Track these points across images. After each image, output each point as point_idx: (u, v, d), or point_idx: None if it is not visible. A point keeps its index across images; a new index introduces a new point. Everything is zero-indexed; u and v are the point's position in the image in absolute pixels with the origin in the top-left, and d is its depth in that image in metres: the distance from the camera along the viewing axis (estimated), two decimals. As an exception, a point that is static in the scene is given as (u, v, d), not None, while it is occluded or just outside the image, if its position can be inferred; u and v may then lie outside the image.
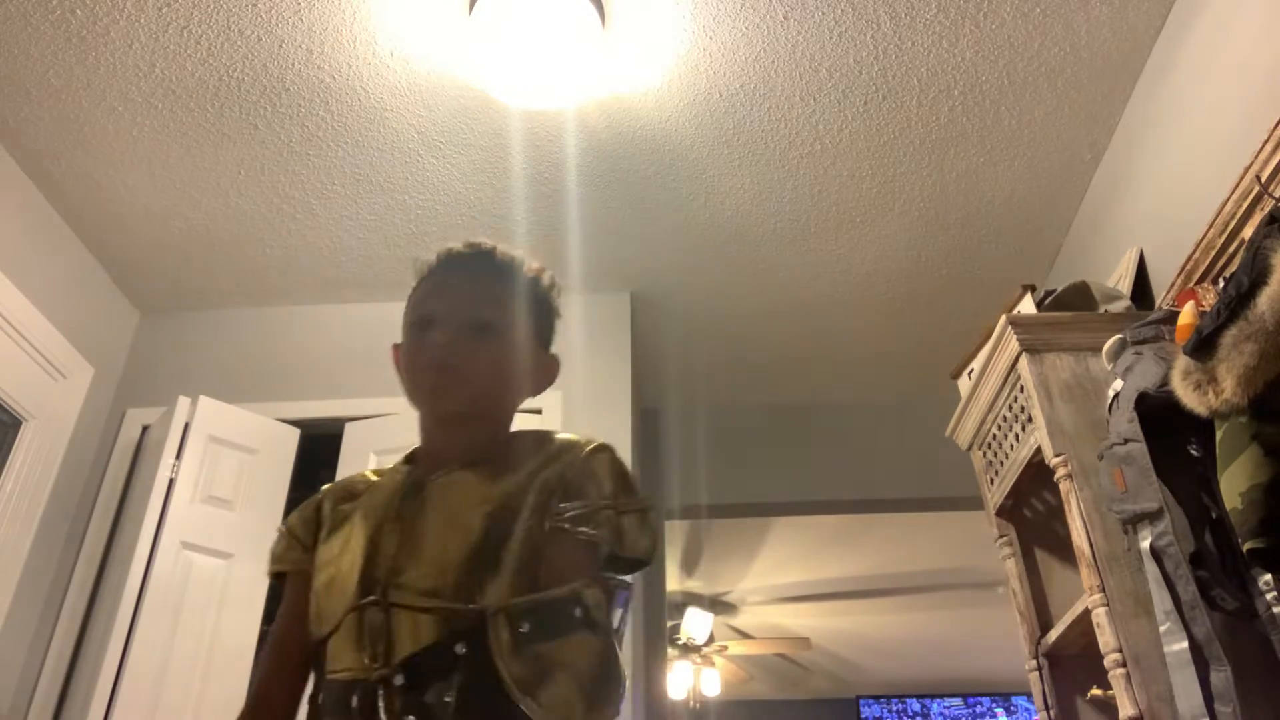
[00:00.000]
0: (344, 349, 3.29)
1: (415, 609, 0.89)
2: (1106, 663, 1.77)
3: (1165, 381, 1.50)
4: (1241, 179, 1.77)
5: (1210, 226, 1.89)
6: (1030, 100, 2.55)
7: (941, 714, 8.06)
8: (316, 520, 1.09)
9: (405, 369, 1.12)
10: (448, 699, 0.83)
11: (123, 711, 2.45)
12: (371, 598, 0.92)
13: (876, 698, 8.06)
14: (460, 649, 0.85)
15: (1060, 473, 1.96)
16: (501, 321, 1.09)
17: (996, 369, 2.24)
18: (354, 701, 0.87)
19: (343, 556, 1.00)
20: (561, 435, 1.06)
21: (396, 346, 1.18)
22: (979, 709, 8.08)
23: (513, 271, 1.14)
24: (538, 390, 1.15)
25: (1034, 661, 2.20)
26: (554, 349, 1.18)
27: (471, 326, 1.06)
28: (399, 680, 0.85)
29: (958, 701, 8.06)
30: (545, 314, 1.17)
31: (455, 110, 2.59)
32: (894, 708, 8.08)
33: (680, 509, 3.84)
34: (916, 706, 8.08)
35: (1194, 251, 1.97)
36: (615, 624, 0.91)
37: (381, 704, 0.85)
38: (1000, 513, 2.37)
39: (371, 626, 0.90)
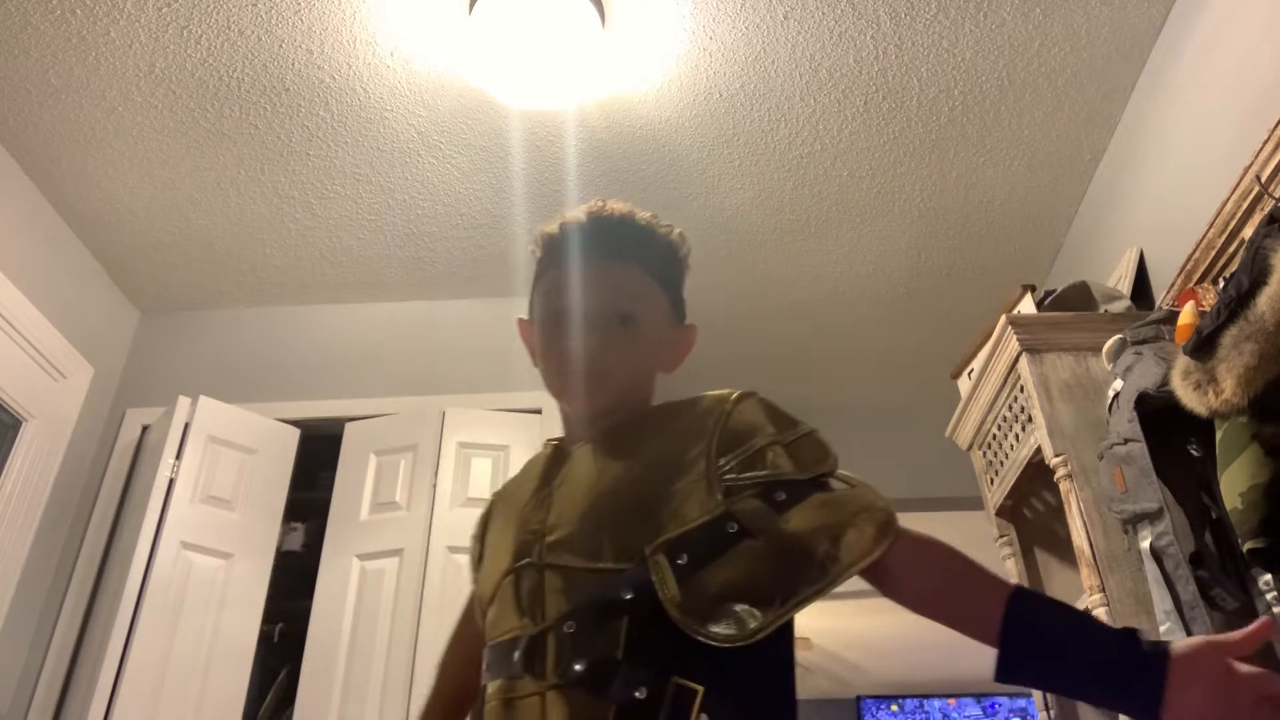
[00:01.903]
0: (344, 349, 3.29)
1: (574, 568, 0.88)
2: (1106, 663, 1.76)
3: (1165, 381, 1.51)
4: (1241, 179, 1.77)
5: (1210, 226, 1.89)
6: (1030, 100, 2.55)
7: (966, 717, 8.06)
8: (487, 523, 1.12)
9: (541, 360, 1.07)
10: (617, 643, 0.82)
11: (123, 711, 2.45)
12: (525, 560, 0.92)
13: (877, 698, 8.06)
14: (625, 593, 0.84)
15: (1060, 473, 1.96)
16: (643, 310, 1.04)
17: (996, 369, 2.24)
18: (515, 655, 0.87)
19: (498, 538, 1.03)
20: (703, 395, 1.01)
21: (524, 321, 1.13)
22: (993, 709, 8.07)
23: (651, 245, 1.08)
24: (676, 366, 1.11)
25: (1034, 661, 2.19)
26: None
27: (613, 321, 1.02)
28: (568, 628, 0.84)
29: (970, 702, 8.06)
30: (680, 282, 1.11)
31: (455, 110, 2.59)
32: (907, 708, 8.07)
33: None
34: (938, 707, 8.07)
35: (1194, 251, 1.97)
36: (792, 518, 0.86)
37: (550, 653, 0.85)
38: (1000, 513, 2.37)
39: (529, 588, 0.91)
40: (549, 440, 1.10)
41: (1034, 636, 0.80)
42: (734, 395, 0.97)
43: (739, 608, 0.81)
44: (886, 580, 0.87)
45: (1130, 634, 0.78)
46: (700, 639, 0.79)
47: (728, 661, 0.80)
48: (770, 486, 0.87)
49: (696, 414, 0.97)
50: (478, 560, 1.09)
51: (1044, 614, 0.82)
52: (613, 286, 1.03)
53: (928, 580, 0.87)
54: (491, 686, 0.90)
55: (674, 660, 0.80)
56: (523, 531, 0.96)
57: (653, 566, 0.84)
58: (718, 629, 0.80)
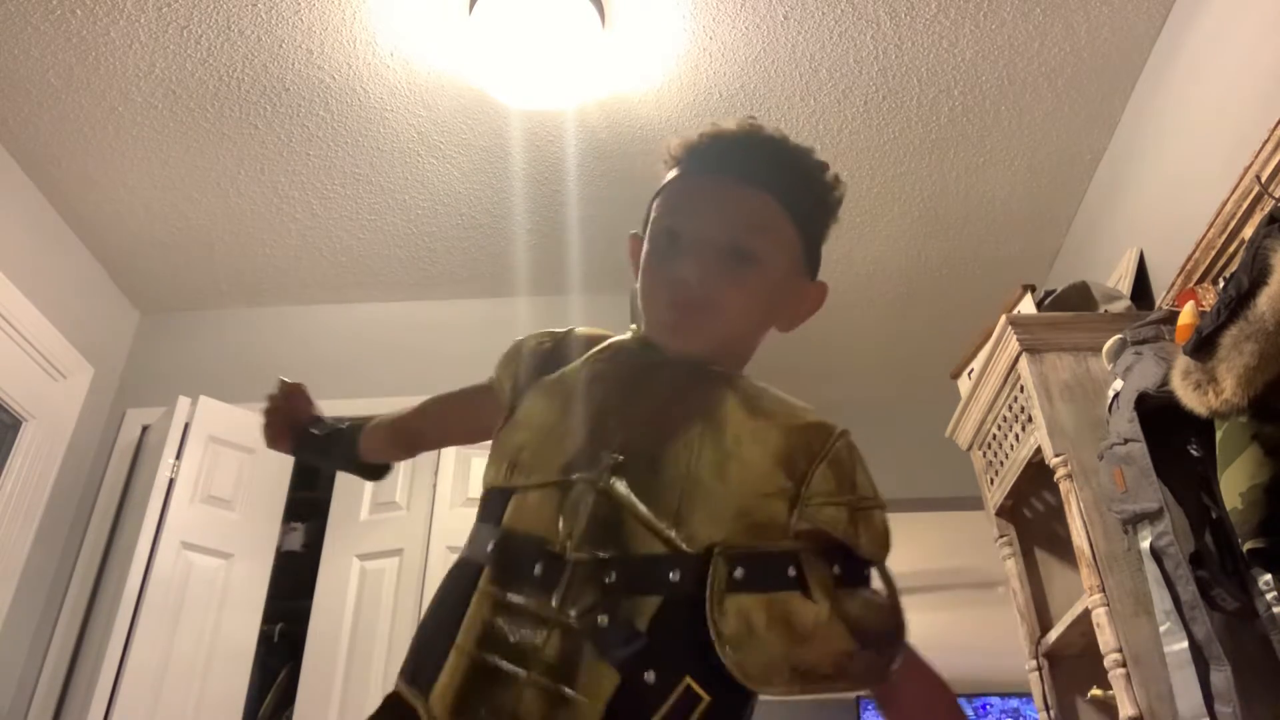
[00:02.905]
0: (344, 349, 3.29)
1: (637, 514, 0.80)
2: (1106, 663, 1.77)
3: (1165, 381, 1.51)
4: (1241, 179, 1.77)
5: (1210, 226, 1.89)
6: (1030, 100, 2.55)
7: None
8: (535, 369, 0.98)
9: (642, 283, 0.94)
10: (641, 618, 0.76)
11: (123, 711, 2.45)
12: (588, 476, 0.83)
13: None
14: (674, 575, 0.78)
15: (1060, 473, 1.96)
16: (770, 249, 0.91)
17: (996, 369, 2.24)
18: (537, 569, 0.79)
19: (553, 421, 0.90)
20: (803, 406, 0.92)
21: (635, 237, 0.99)
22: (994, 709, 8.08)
23: (797, 176, 0.95)
24: (794, 325, 0.99)
25: (1034, 661, 2.20)
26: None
27: (730, 255, 0.89)
28: (610, 575, 0.78)
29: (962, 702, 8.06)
30: (821, 232, 0.98)
31: (455, 110, 2.59)
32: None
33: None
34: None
35: (1194, 251, 1.97)
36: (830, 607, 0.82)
37: (577, 589, 0.78)
38: (1000, 513, 2.37)
39: (580, 504, 0.82)
40: (637, 334, 0.97)
41: None
42: (839, 429, 0.89)
43: (770, 655, 0.77)
44: (879, 698, 0.87)
45: None
46: (721, 657, 0.76)
47: (733, 685, 0.77)
48: (834, 552, 0.83)
49: (799, 424, 0.88)
50: (511, 407, 0.96)
51: None
52: (741, 214, 0.90)
53: (914, 708, 0.89)
54: (488, 577, 0.82)
55: (689, 661, 0.76)
56: (593, 438, 0.86)
57: (714, 564, 0.78)
58: (742, 660, 0.76)
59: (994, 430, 2.35)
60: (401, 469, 2.93)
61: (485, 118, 2.61)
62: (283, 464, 3.03)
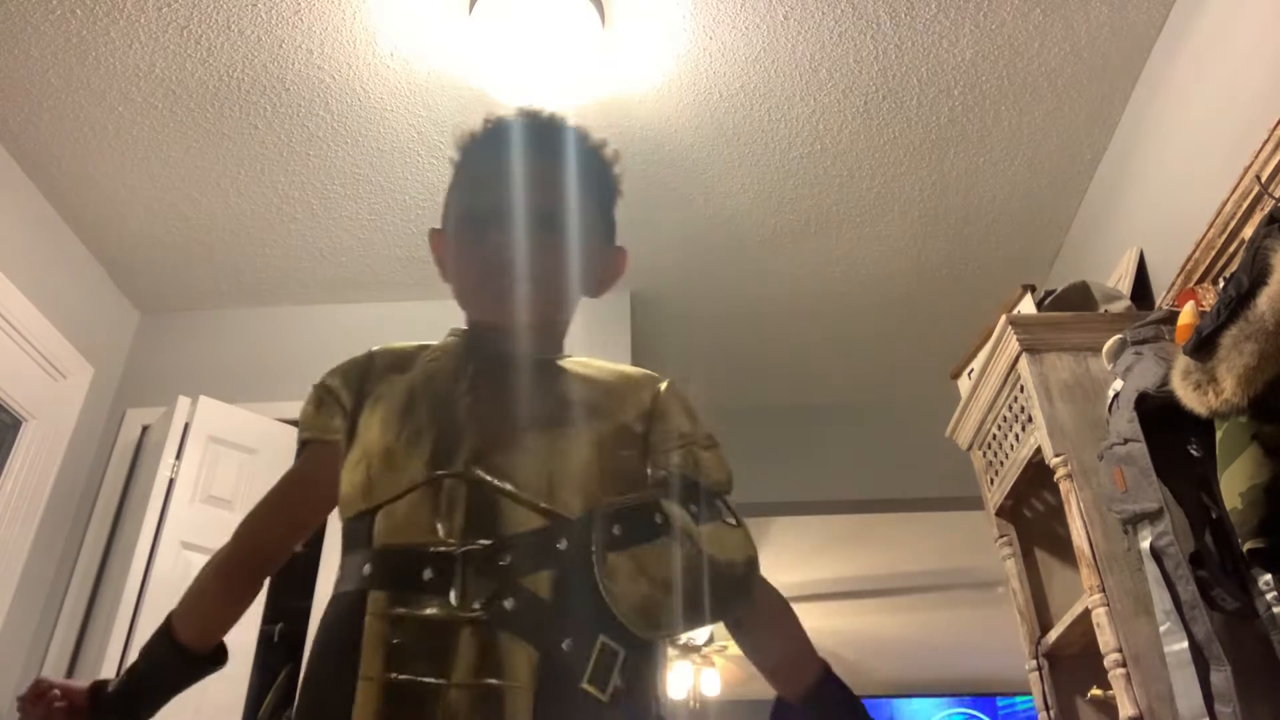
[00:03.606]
0: (343, 349, 3.25)
1: (512, 494, 0.83)
2: (1106, 663, 1.77)
3: (1165, 381, 1.51)
4: (1241, 179, 1.77)
5: (1210, 226, 1.89)
6: (1030, 100, 2.55)
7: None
8: (362, 386, 0.97)
9: (454, 271, 0.99)
10: (543, 591, 0.79)
11: (123, 711, 2.45)
12: (453, 470, 0.84)
13: (876, 698, 8.06)
14: (562, 543, 0.82)
15: (1060, 473, 1.96)
16: (566, 212, 0.96)
17: (996, 369, 2.24)
18: (426, 573, 0.79)
19: (401, 428, 0.90)
20: (621, 366, 1.02)
21: (436, 233, 1.04)
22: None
23: (581, 149, 1.00)
24: (603, 289, 1.04)
25: (1034, 661, 2.20)
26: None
27: (533, 221, 0.93)
28: (502, 559, 0.80)
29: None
30: (610, 197, 1.04)
31: (455, 110, 2.59)
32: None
33: (680, 509, 3.83)
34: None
35: (1194, 251, 1.97)
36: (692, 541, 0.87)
37: (472, 581, 0.79)
38: (1000, 513, 2.37)
39: (452, 499, 0.83)
40: (456, 331, 1.01)
41: (817, 709, 0.94)
42: (663, 381, 0.98)
43: (659, 603, 0.81)
44: (736, 628, 0.95)
45: None
46: (618, 615, 0.80)
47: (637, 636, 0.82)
48: (688, 492, 0.88)
49: (628, 383, 0.97)
50: (341, 430, 0.95)
51: (827, 703, 0.94)
52: (541, 183, 0.95)
53: (766, 639, 0.97)
54: (376, 598, 0.81)
55: (600, 619, 0.79)
56: (445, 437, 0.87)
57: (594, 524, 0.82)
58: (633, 614, 0.80)
59: (994, 430, 2.35)
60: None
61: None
62: (283, 464, 3.01)
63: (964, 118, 2.61)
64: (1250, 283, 1.34)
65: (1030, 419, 2.10)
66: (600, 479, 0.86)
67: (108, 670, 2.48)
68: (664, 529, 0.84)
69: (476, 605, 0.78)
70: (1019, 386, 2.15)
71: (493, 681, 0.76)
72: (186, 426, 2.87)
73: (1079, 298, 2.24)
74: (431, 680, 0.76)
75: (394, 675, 0.76)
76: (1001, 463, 2.32)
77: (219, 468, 2.88)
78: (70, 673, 2.66)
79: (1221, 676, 1.38)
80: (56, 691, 1.03)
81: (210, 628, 1.09)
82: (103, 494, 2.97)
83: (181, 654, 1.08)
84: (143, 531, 2.67)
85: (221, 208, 2.94)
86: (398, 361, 0.99)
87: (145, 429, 3.08)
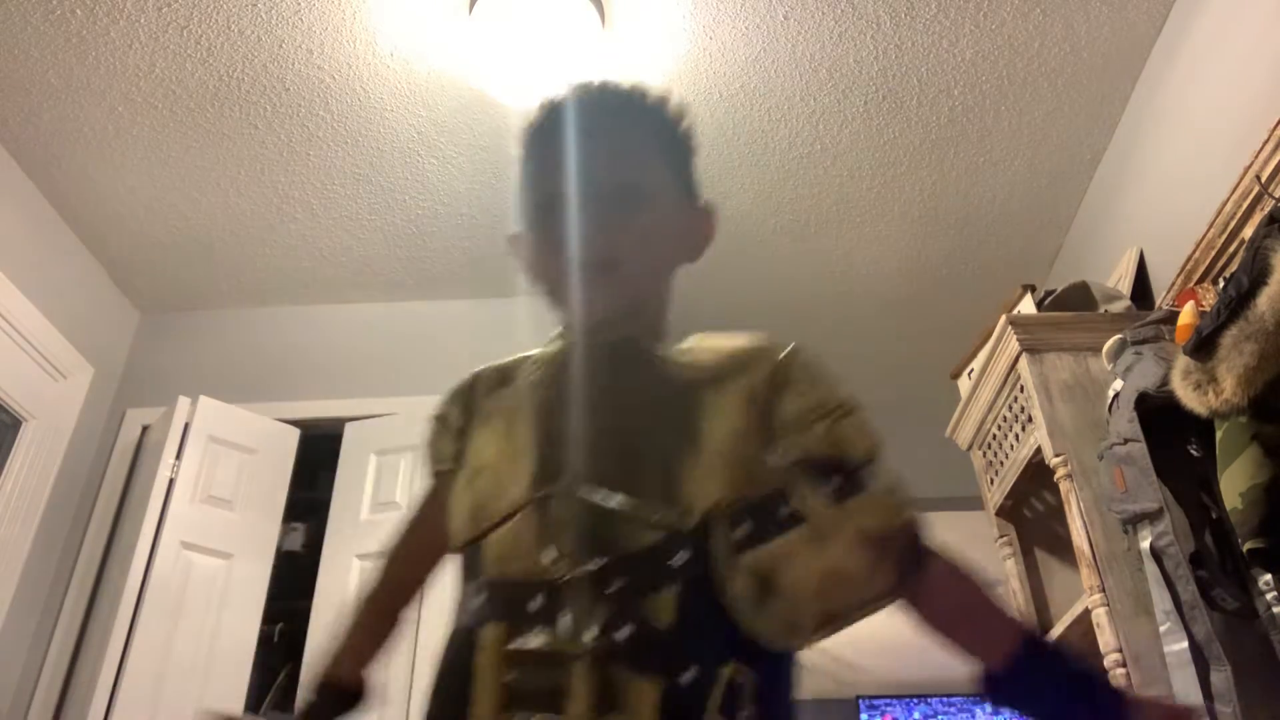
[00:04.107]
0: (344, 349, 3.29)
1: (619, 512, 0.75)
2: (1106, 663, 1.77)
3: (1165, 381, 1.51)
4: (1241, 179, 1.77)
5: (1210, 226, 1.89)
6: (1030, 100, 2.55)
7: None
8: (468, 407, 0.93)
9: (533, 269, 0.92)
10: (663, 615, 0.71)
11: (123, 711, 2.45)
12: (556, 489, 0.78)
13: (876, 698, 8.07)
14: (678, 559, 0.72)
15: (1060, 473, 1.96)
16: (652, 180, 0.88)
17: (996, 369, 2.24)
18: (534, 604, 0.73)
19: (506, 447, 0.85)
20: (736, 336, 0.89)
21: (514, 237, 0.98)
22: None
23: (644, 108, 0.92)
24: (698, 253, 0.95)
25: (1034, 661, 2.19)
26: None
27: (615, 196, 0.86)
28: (612, 586, 0.72)
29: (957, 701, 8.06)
30: (684, 154, 0.96)
31: (455, 110, 2.59)
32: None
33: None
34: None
35: (1194, 251, 1.97)
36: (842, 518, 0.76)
37: (583, 612, 0.71)
38: (1000, 513, 2.37)
39: (557, 523, 0.76)
40: (557, 335, 0.93)
41: (1034, 685, 0.81)
42: (783, 347, 0.84)
43: (796, 609, 0.72)
44: (913, 602, 0.81)
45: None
46: (747, 629, 0.71)
47: (768, 652, 0.73)
48: (822, 471, 0.76)
49: (740, 361, 0.84)
50: (455, 456, 0.91)
51: (1049, 667, 0.82)
52: (611, 154, 0.88)
53: (944, 611, 0.83)
54: (490, 631, 0.74)
55: (725, 642, 0.71)
56: (546, 450, 0.81)
57: (714, 534, 0.73)
58: (773, 626, 0.72)
59: (994, 430, 2.35)
60: (401, 468, 2.94)
61: (485, 118, 2.61)
62: (283, 464, 3.03)
63: (964, 118, 2.61)
64: (1250, 283, 1.34)
65: (1030, 419, 2.10)
66: (720, 479, 0.76)
67: (107, 670, 2.48)
68: (797, 520, 0.73)
69: (588, 637, 0.70)
70: (1019, 386, 2.15)
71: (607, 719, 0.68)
72: (186, 426, 2.87)
73: (1079, 298, 2.24)
74: (546, 718, 0.70)
75: (506, 717, 0.71)
76: (1001, 463, 2.32)
77: (219, 468, 2.88)
78: (70, 673, 2.66)
79: (1221, 676, 1.38)
80: None
81: (360, 663, 1.01)
82: (103, 494, 2.97)
83: (341, 696, 0.98)
84: (143, 531, 2.67)
85: (221, 208, 2.94)
86: (501, 377, 0.94)
87: (145, 429, 3.08)
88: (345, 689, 0.98)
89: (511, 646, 0.73)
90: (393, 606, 1.03)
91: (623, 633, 0.70)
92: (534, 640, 0.72)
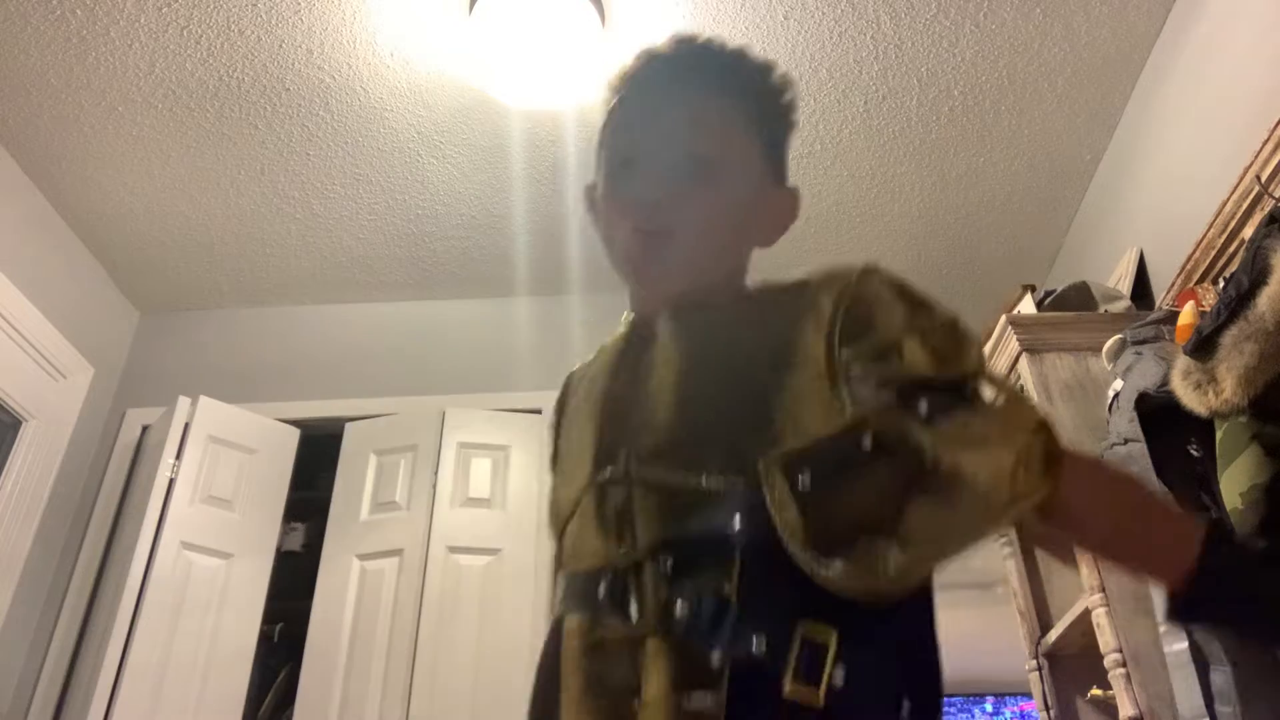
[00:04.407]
0: (344, 349, 3.29)
1: (671, 485, 0.71)
2: (1106, 663, 1.77)
3: (1165, 381, 1.51)
4: (1241, 179, 1.77)
5: (1210, 226, 1.89)
6: (1030, 100, 2.55)
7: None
8: (561, 410, 0.93)
9: (602, 226, 0.88)
10: (726, 588, 0.66)
11: (123, 711, 2.45)
12: (610, 472, 0.75)
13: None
14: (732, 524, 0.68)
15: (1060, 473, 1.95)
16: (727, 154, 0.83)
17: (997, 369, 2.24)
18: (600, 590, 0.72)
19: (576, 442, 0.84)
20: (813, 271, 0.79)
21: (589, 187, 0.93)
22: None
23: (739, 75, 0.86)
24: (774, 238, 0.89)
25: (1034, 661, 2.20)
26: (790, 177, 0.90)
27: (686, 167, 0.81)
28: (665, 563, 0.69)
29: (959, 701, 8.06)
30: (781, 131, 0.89)
31: (455, 110, 2.59)
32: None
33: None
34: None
35: (1194, 251, 1.97)
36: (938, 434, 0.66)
37: (645, 593, 0.69)
38: (1000, 513, 2.36)
39: (616, 507, 0.74)
40: (627, 315, 0.90)
41: (1227, 587, 0.69)
42: (857, 272, 0.75)
43: (876, 545, 0.63)
44: (1052, 516, 0.69)
45: None
46: (822, 583, 0.63)
47: (857, 607, 0.64)
48: (909, 393, 0.67)
49: (810, 292, 0.75)
50: (554, 459, 0.92)
51: (1241, 562, 0.72)
52: (686, 122, 0.83)
53: (1103, 518, 0.71)
54: (570, 622, 0.75)
55: (798, 602, 0.65)
56: (605, 434, 0.79)
57: (768, 487, 0.66)
58: (845, 571, 0.63)
59: (994, 430, 2.34)
60: (401, 468, 2.94)
61: (485, 118, 2.61)
62: (283, 464, 3.03)
63: (964, 118, 2.61)
64: (1250, 283, 1.34)
65: (1030, 419, 2.09)
66: (778, 426, 0.69)
67: (107, 670, 2.48)
68: (876, 454, 0.66)
69: (653, 619, 0.68)
70: (1019, 387, 2.15)
71: (679, 699, 0.65)
72: (186, 426, 2.87)
73: (1079, 298, 2.24)
74: (619, 708, 0.68)
75: (587, 704, 0.70)
76: (1001, 463, 2.32)
77: (219, 468, 2.88)
78: (70, 673, 2.67)
79: (1221, 676, 1.38)
80: None
81: None
82: (103, 494, 2.97)
83: None
84: (143, 531, 2.67)
85: (221, 208, 2.94)
86: (585, 371, 0.93)
87: (145, 429, 3.08)
88: None
89: (588, 637, 0.72)
90: None
91: (680, 608, 0.67)
92: (606, 629, 0.71)
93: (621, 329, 0.90)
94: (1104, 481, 0.74)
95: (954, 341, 0.72)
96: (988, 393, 0.70)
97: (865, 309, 0.72)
